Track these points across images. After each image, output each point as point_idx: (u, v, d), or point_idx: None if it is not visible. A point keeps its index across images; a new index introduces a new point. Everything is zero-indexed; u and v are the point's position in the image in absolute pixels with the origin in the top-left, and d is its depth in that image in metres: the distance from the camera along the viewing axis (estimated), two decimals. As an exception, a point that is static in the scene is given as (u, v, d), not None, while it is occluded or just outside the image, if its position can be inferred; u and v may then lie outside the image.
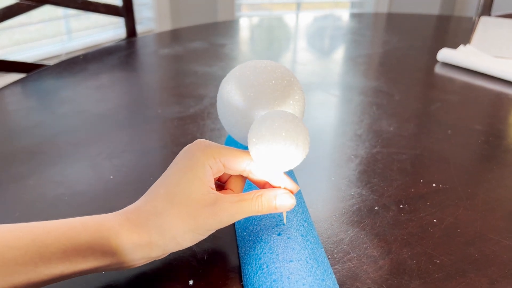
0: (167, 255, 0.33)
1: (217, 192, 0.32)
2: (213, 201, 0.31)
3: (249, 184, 0.40)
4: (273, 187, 0.34)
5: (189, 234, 0.31)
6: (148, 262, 0.32)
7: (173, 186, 0.32)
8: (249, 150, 0.32)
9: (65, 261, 0.29)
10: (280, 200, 0.32)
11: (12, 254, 0.28)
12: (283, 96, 0.36)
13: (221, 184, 0.37)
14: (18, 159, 0.50)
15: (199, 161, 0.32)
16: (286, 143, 0.31)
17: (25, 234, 0.29)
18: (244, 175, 0.35)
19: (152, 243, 0.31)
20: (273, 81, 0.37)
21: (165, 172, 0.33)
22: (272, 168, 0.32)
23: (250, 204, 0.32)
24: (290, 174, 0.43)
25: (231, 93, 0.37)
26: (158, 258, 0.33)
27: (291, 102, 0.37)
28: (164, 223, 0.31)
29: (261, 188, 0.35)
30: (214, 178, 0.34)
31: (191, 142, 0.33)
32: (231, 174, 0.35)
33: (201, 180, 0.31)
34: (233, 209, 0.31)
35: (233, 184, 0.36)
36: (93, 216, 0.31)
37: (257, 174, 0.34)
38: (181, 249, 0.32)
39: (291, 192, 0.33)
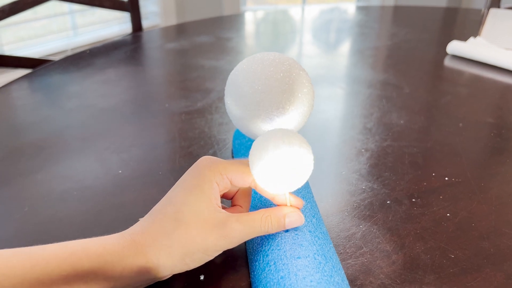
0: (172, 275, 0.32)
1: (225, 211, 0.32)
2: (222, 222, 0.30)
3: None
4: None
5: (198, 254, 0.30)
6: (153, 282, 0.32)
7: (181, 204, 0.31)
8: (252, 174, 0.32)
9: (66, 287, 0.28)
10: (290, 219, 0.32)
11: (9, 282, 0.27)
12: (291, 89, 0.35)
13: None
14: (26, 154, 0.50)
15: (206, 179, 0.31)
16: (287, 168, 0.30)
17: (23, 261, 0.28)
18: (252, 186, 0.34)
19: (160, 265, 0.30)
20: (281, 74, 0.36)
21: (171, 190, 0.33)
22: (274, 190, 0.32)
23: (260, 225, 0.31)
24: None
25: (239, 86, 0.37)
26: (164, 279, 0.32)
27: (300, 95, 0.36)
28: (174, 243, 0.30)
29: (269, 198, 0.34)
30: (220, 194, 0.33)
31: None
32: (239, 187, 0.35)
33: (209, 198, 0.31)
34: (243, 231, 0.31)
35: (241, 200, 0.35)
36: (95, 238, 0.30)
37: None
38: (188, 269, 0.31)
39: (297, 208, 0.33)
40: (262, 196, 0.37)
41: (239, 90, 0.37)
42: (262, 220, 0.31)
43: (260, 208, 0.35)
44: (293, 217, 0.32)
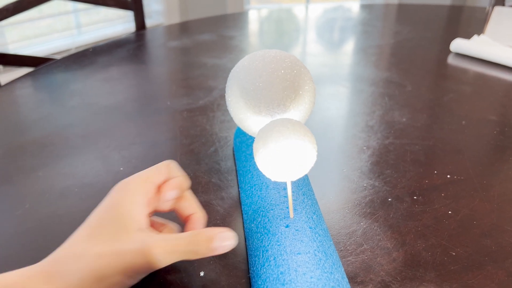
0: None
1: (150, 229, 0.30)
2: (143, 239, 0.28)
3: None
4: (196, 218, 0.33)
5: (117, 277, 0.28)
6: None
7: (96, 226, 0.29)
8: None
9: None
10: (220, 240, 0.29)
11: None
12: (292, 86, 0.35)
13: None
14: (28, 151, 0.50)
15: (127, 196, 0.30)
16: (290, 156, 0.30)
17: None
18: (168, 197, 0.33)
19: None
20: (282, 71, 0.36)
21: (88, 216, 0.31)
22: (275, 178, 0.32)
23: (186, 243, 0.29)
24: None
25: (240, 83, 0.37)
26: None
27: (301, 92, 0.36)
28: (85, 266, 0.27)
29: (184, 219, 0.34)
30: (150, 213, 0.32)
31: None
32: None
33: (128, 216, 0.29)
34: (166, 248, 0.28)
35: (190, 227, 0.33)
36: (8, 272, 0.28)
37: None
38: None
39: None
40: (261, 196, 0.37)
41: (240, 87, 0.37)
42: (188, 237, 0.29)
43: (259, 210, 0.35)
44: (224, 237, 0.29)
